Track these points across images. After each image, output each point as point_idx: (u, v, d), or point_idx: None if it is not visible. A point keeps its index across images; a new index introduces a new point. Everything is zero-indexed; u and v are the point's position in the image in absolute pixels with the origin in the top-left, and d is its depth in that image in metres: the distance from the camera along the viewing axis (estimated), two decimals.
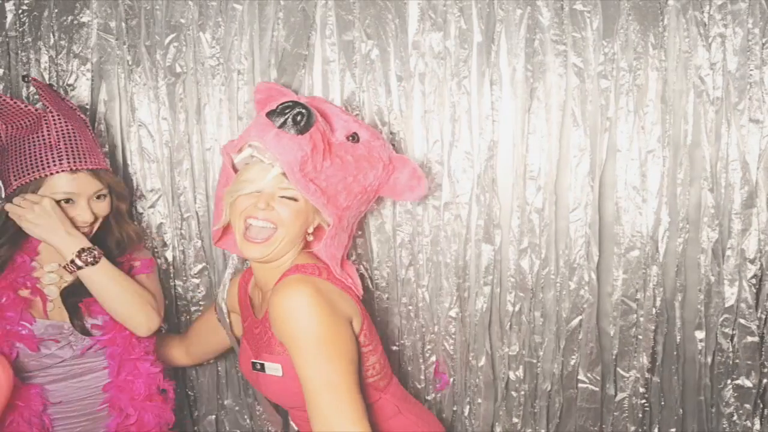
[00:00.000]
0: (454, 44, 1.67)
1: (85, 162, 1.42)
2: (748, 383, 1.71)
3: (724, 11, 1.61)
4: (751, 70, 1.62)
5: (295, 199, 1.32)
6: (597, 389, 1.76)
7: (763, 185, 1.64)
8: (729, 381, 1.73)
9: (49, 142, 1.40)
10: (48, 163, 1.38)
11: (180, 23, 1.70)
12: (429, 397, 1.82)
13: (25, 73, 1.69)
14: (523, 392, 1.79)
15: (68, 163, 1.39)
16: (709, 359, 1.72)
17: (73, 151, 1.41)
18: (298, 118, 1.25)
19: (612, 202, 1.70)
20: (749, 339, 1.69)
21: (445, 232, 1.73)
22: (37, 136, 1.40)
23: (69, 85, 1.72)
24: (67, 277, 1.46)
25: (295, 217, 1.33)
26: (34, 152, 1.39)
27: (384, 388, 1.41)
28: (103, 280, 1.41)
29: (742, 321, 1.68)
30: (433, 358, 1.79)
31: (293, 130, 1.25)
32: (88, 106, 1.72)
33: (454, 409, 1.83)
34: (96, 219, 1.45)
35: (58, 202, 1.39)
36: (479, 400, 1.80)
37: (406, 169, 1.48)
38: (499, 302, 1.75)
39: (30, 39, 1.71)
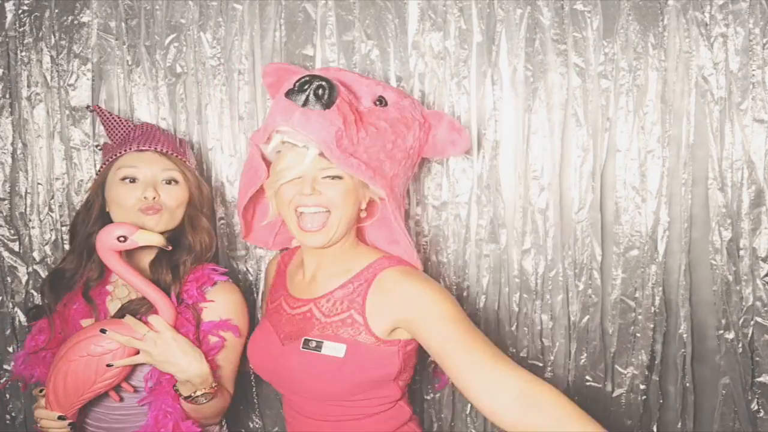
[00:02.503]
0: (453, 44, 1.67)
1: (154, 144, 1.44)
2: None
3: (725, 11, 1.60)
4: (753, 70, 1.61)
5: (340, 177, 1.25)
6: (600, 386, 1.76)
7: None
8: (751, 379, 1.71)
9: (131, 138, 1.47)
10: (117, 149, 1.44)
11: (180, 23, 1.70)
12: (428, 397, 1.82)
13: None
14: None
15: (137, 145, 1.43)
16: (734, 359, 1.70)
17: (144, 137, 1.46)
18: (320, 91, 1.16)
19: (612, 201, 1.69)
20: (766, 337, 1.68)
21: (444, 231, 1.73)
22: (125, 140, 1.48)
23: (69, 85, 1.72)
24: (133, 294, 1.42)
25: (344, 196, 1.26)
26: (113, 149, 1.47)
27: (405, 391, 1.40)
28: (203, 408, 1.36)
29: (759, 319, 1.67)
30: (431, 358, 1.79)
31: (318, 105, 1.17)
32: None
33: (459, 406, 1.83)
34: (158, 198, 1.39)
35: (122, 180, 1.40)
36: None
37: (443, 123, 1.42)
38: (507, 302, 1.74)
39: (30, 39, 1.71)
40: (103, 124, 1.54)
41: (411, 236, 1.45)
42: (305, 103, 1.17)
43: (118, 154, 1.43)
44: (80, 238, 1.44)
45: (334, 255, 1.35)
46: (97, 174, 1.49)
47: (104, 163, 1.46)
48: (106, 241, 1.28)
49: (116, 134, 1.51)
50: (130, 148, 1.42)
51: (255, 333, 1.45)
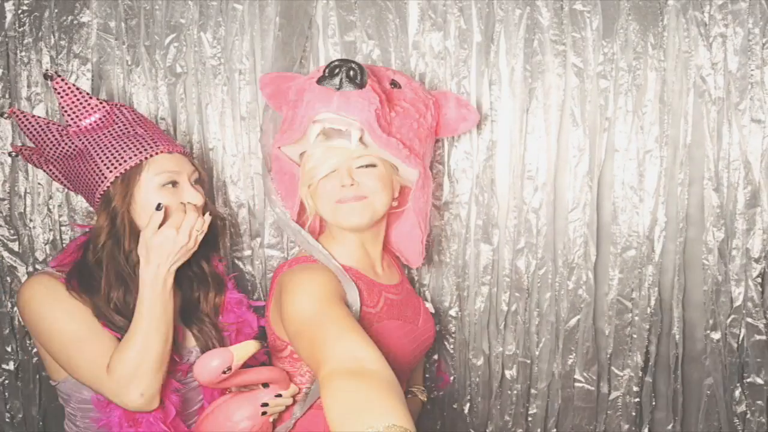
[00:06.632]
0: (453, 44, 1.67)
1: (174, 146, 1.35)
2: (759, 381, 1.72)
3: (725, 11, 1.61)
4: (752, 70, 1.62)
5: (374, 165, 1.28)
6: (593, 388, 1.77)
7: (765, 185, 1.64)
8: (739, 380, 1.73)
9: (133, 131, 1.32)
10: (145, 147, 1.30)
11: (180, 23, 1.69)
12: (432, 395, 1.83)
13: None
14: (516, 391, 1.80)
15: (164, 145, 1.32)
16: (719, 359, 1.72)
17: (160, 135, 1.35)
18: (352, 73, 1.17)
19: (609, 201, 1.70)
20: (757, 337, 1.70)
21: (445, 231, 1.74)
22: (115, 129, 1.33)
23: None
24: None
25: (381, 183, 1.29)
26: (123, 142, 1.30)
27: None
28: None
29: (750, 320, 1.69)
30: (434, 357, 1.80)
31: (353, 86, 1.18)
32: None
33: (454, 407, 1.84)
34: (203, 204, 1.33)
35: (163, 186, 1.29)
36: (479, 399, 1.81)
37: (450, 102, 1.46)
38: (495, 302, 1.76)
39: (30, 39, 1.70)
40: (64, 96, 1.33)
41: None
42: (341, 86, 1.18)
43: (149, 156, 1.29)
44: (119, 262, 1.29)
45: (379, 244, 1.41)
46: (120, 177, 1.28)
47: (129, 167, 1.28)
48: (212, 380, 1.16)
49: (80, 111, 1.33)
50: (159, 150, 1.30)
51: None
